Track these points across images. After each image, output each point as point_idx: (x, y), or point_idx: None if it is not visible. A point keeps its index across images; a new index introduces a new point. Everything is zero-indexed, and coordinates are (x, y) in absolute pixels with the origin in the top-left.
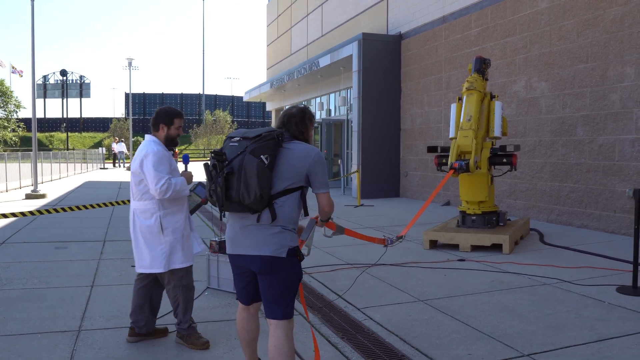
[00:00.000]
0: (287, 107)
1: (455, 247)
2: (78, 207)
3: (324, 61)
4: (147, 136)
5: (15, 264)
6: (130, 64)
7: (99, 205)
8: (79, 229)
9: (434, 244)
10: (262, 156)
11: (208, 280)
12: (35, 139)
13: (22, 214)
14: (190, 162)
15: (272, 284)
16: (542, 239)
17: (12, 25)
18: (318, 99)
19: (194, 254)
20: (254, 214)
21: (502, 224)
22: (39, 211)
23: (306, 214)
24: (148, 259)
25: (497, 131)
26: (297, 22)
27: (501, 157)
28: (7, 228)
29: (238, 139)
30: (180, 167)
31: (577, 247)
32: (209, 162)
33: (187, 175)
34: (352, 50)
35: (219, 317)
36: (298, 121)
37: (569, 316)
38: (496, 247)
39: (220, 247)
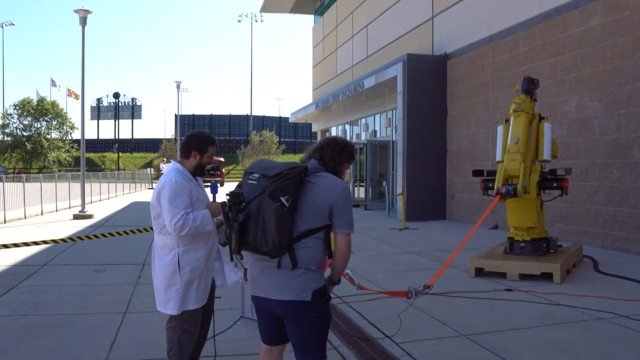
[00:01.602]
0: (332, 128)
1: (502, 275)
2: (118, 233)
3: (369, 82)
4: (172, 163)
5: (53, 287)
6: (178, 87)
7: (139, 231)
8: (120, 251)
9: (479, 272)
10: (282, 198)
11: (242, 309)
12: (84, 160)
13: (63, 240)
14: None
15: (299, 329)
16: (597, 268)
17: (68, 50)
18: (363, 120)
19: (228, 284)
20: (272, 259)
21: (552, 251)
22: (79, 237)
23: (330, 256)
24: (163, 298)
25: (546, 154)
26: (342, 43)
27: (551, 181)
28: (52, 249)
29: (257, 176)
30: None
31: (635, 276)
32: (226, 202)
33: (213, 207)
34: (397, 71)
35: (250, 349)
36: (337, 150)
37: (628, 357)
38: (546, 276)
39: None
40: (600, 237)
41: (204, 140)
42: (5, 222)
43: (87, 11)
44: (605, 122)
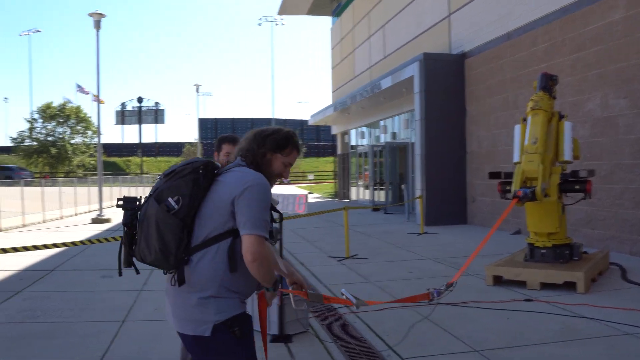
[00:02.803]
0: (351, 130)
1: (522, 284)
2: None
3: (386, 83)
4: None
5: (56, 293)
6: (197, 90)
7: None
8: None
9: (498, 280)
10: (170, 199)
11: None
12: (101, 164)
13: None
14: None
15: None
16: (625, 276)
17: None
18: (382, 122)
19: None
20: (169, 272)
21: (576, 258)
22: (89, 240)
23: (233, 270)
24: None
25: (567, 154)
26: (359, 44)
27: (573, 183)
28: (63, 254)
29: (161, 176)
30: None
31: None
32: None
33: None
34: (414, 70)
35: None
36: (259, 138)
37: None
38: (569, 286)
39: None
40: (628, 243)
41: (219, 139)
42: (24, 226)
43: (101, 15)
44: (631, 120)
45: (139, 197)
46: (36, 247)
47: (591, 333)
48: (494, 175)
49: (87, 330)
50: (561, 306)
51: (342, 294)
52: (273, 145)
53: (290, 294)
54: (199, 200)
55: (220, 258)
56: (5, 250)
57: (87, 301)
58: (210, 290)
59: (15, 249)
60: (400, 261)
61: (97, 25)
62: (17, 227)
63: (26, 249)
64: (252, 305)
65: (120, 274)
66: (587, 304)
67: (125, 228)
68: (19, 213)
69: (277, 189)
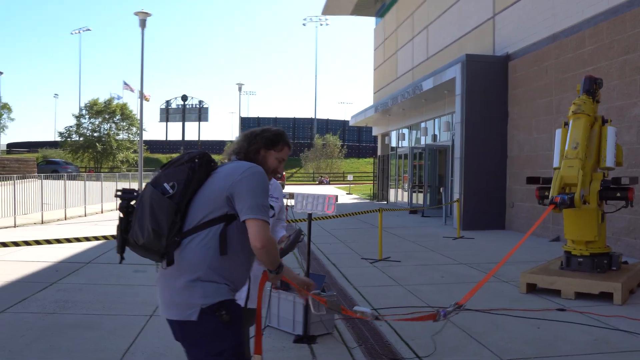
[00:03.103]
0: (392, 132)
1: (556, 293)
2: None
3: (427, 84)
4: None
5: (88, 286)
6: (240, 89)
7: None
8: None
9: (532, 288)
10: (165, 184)
11: (269, 318)
12: (142, 160)
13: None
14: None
15: (193, 359)
16: None
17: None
18: (423, 124)
19: None
20: (160, 258)
21: (614, 268)
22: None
23: (222, 253)
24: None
25: (609, 161)
26: (403, 45)
27: (614, 190)
28: (100, 247)
29: (159, 170)
30: None
31: None
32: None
33: None
34: (455, 72)
35: None
36: (250, 136)
37: None
38: (606, 296)
39: (282, 283)
40: None
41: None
42: (65, 219)
43: (147, 14)
44: None
45: (137, 189)
46: (73, 240)
47: (625, 346)
48: (532, 180)
49: (115, 323)
50: (595, 317)
51: (356, 312)
52: (265, 142)
53: (310, 298)
54: (193, 188)
55: (211, 241)
56: (38, 242)
57: (118, 294)
58: (198, 272)
59: (48, 242)
60: (433, 265)
61: (143, 23)
62: (59, 220)
63: (60, 241)
64: (267, 304)
65: (121, 259)
66: (623, 316)
67: (121, 215)
68: (61, 206)
69: (309, 189)
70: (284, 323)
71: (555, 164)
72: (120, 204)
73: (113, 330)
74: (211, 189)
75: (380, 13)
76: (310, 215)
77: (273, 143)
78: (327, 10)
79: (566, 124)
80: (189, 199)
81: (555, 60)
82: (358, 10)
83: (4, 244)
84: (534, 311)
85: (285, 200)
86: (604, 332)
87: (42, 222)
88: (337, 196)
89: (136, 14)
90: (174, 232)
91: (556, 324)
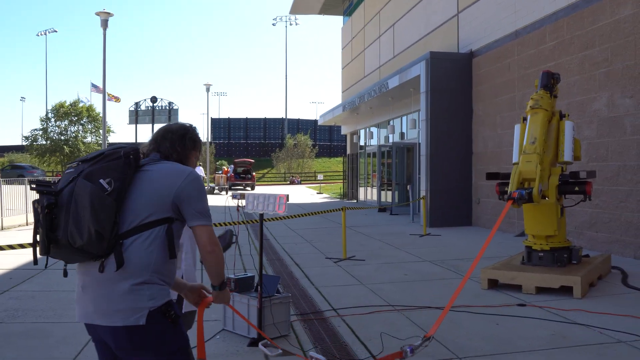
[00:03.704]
0: (360, 130)
1: (518, 288)
2: None
3: (393, 82)
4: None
5: (41, 293)
6: (208, 89)
7: None
8: None
9: (494, 284)
10: (101, 180)
11: (224, 321)
12: None
13: None
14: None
15: None
16: (625, 281)
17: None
18: (390, 122)
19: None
20: (95, 260)
21: (575, 262)
22: None
23: (172, 256)
24: None
25: (567, 155)
26: (370, 43)
27: (572, 184)
28: None
29: (76, 163)
30: None
31: None
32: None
33: None
34: (420, 70)
35: None
36: (176, 139)
37: None
38: (566, 290)
39: (237, 285)
40: (632, 247)
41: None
42: (27, 225)
43: (109, 13)
44: (637, 120)
45: (53, 181)
46: (27, 245)
47: (582, 340)
48: (491, 176)
49: (65, 331)
50: (555, 311)
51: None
52: (192, 144)
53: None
54: (128, 185)
55: (155, 244)
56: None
57: (72, 301)
58: (143, 276)
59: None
60: (398, 263)
61: (105, 24)
62: (20, 226)
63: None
64: (223, 307)
65: (35, 263)
66: (582, 310)
67: (47, 210)
68: (23, 211)
69: (279, 189)
70: (238, 326)
71: (515, 159)
72: (47, 199)
73: (62, 338)
74: (149, 190)
75: (347, 12)
76: (261, 215)
77: (197, 144)
78: (295, 9)
79: (525, 119)
80: (123, 198)
81: (517, 57)
82: (326, 9)
83: None
84: (494, 307)
85: (237, 201)
86: (562, 326)
87: (2, 229)
88: (287, 195)
89: (98, 14)
90: (114, 233)
91: (515, 319)
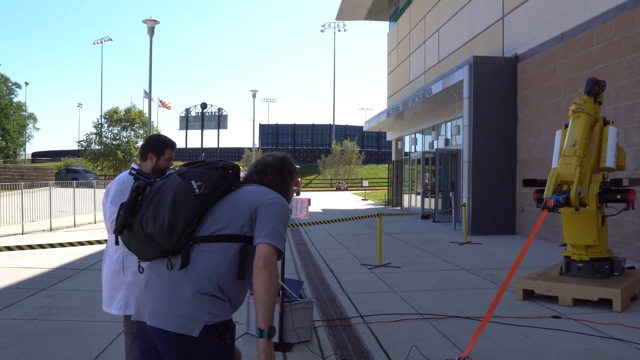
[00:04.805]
0: (405, 136)
1: (554, 299)
2: None
3: (436, 88)
4: (132, 165)
5: (77, 292)
6: (254, 95)
7: None
8: None
9: (529, 295)
10: (192, 181)
11: (247, 325)
12: None
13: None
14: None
15: None
16: None
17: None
18: (435, 128)
19: None
20: (164, 256)
21: (617, 274)
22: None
23: (241, 277)
24: (107, 296)
25: (609, 161)
26: (415, 49)
27: (614, 192)
28: (99, 254)
29: (179, 167)
30: None
31: None
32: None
33: None
34: (463, 75)
35: None
36: (275, 172)
37: None
38: (605, 303)
39: None
40: None
41: (161, 142)
42: (75, 226)
43: (155, 21)
44: None
45: (153, 176)
46: (67, 244)
47: (617, 356)
48: (528, 182)
49: (93, 329)
50: (591, 325)
51: None
52: (290, 176)
53: None
54: (217, 196)
55: (227, 259)
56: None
57: None
58: (208, 287)
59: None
60: (433, 271)
61: (151, 31)
62: (67, 227)
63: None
64: (247, 311)
65: (117, 243)
66: (621, 324)
67: (135, 194)
68: (71, 213)
69: (309, 195)
70: None
71: (554, 164)
72: (137, 183)
73: (89, 336)
74: (235, 204)
75: (393, 17)
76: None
77: (294, 176)
78: (341, 15)
79: (566, 125)
80: (208, 206)
81: (563, 60)
82: (372, 15)
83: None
84: (527, 318)
85: None
86: (597, 341)
87: (51, 229)
88: (309, 199)
89: (145, 21)
90: (187, 232)
91: (547, 331)
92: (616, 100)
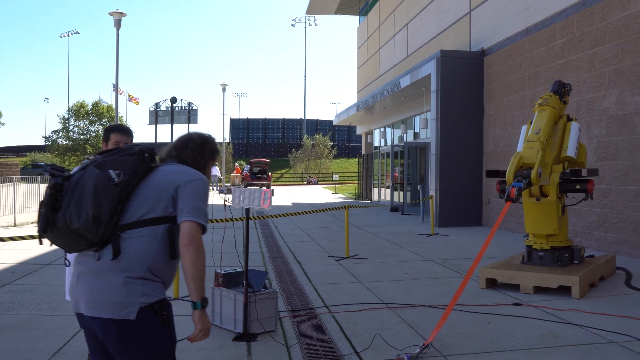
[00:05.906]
0: (375, 130)
1: (516, 287)
2: None
3: (405, 82)
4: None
5: (40, 287)
6: (224, 90)
7: None
8: None
9: (492, 283)
10: (110, 171)
11: (212, 316)
12: None
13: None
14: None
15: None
16: (629, 282)
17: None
18: (403, 122)
19: None
20: (91, 249)
21: (576, 262)
22: None
23: (173, 257)
24: (68, 284)
25: (570, 151)
26: (384, 43)
27: (574, 182)
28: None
29: (93, 156)
30: None
31: None
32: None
33: None
34: (431, 69)
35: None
36: (196, 147)
37: None
38: (565, 290)
39: (224, 280)
40: None
41: (107, 129)
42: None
43: (122, 14)
44: None
45: (69, 169)
46: (27, 237)
47: (573, 340)
48: (491, 173)
49: (55, 323)
50: (550, 311)
51: None
52: (211, 153)
53: None
54: (137, 181)
55: (155, 242)
56: None
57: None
58: (139, 271)
59: (1, 239)
60: (400, 262)
61: (118, 24)
62: (33, 222)
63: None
64: (212, 303)
65: (40, 243)
66: (579, 310)
67: (53, 191)
68: (36, 209)
69: (297, 190)
70: (226, 321)
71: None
72: (55, 181)
73: (51, 330)
74: (154, 186)
75: (363, 11)
76: (247, 210)
77: (215, 155)
78: (312, 9)
79: (532, 121)
80: (129, 193)
81: (528, 55)
82: (342, 9)
83: None
84: (489, 306)
85: (223, 196)
86: (555, 326)
87: (15, 225)
88: (272, 190)
89: (111, 14)
90: (112, 222)
91: (508, 318)
92: (578, 93)
